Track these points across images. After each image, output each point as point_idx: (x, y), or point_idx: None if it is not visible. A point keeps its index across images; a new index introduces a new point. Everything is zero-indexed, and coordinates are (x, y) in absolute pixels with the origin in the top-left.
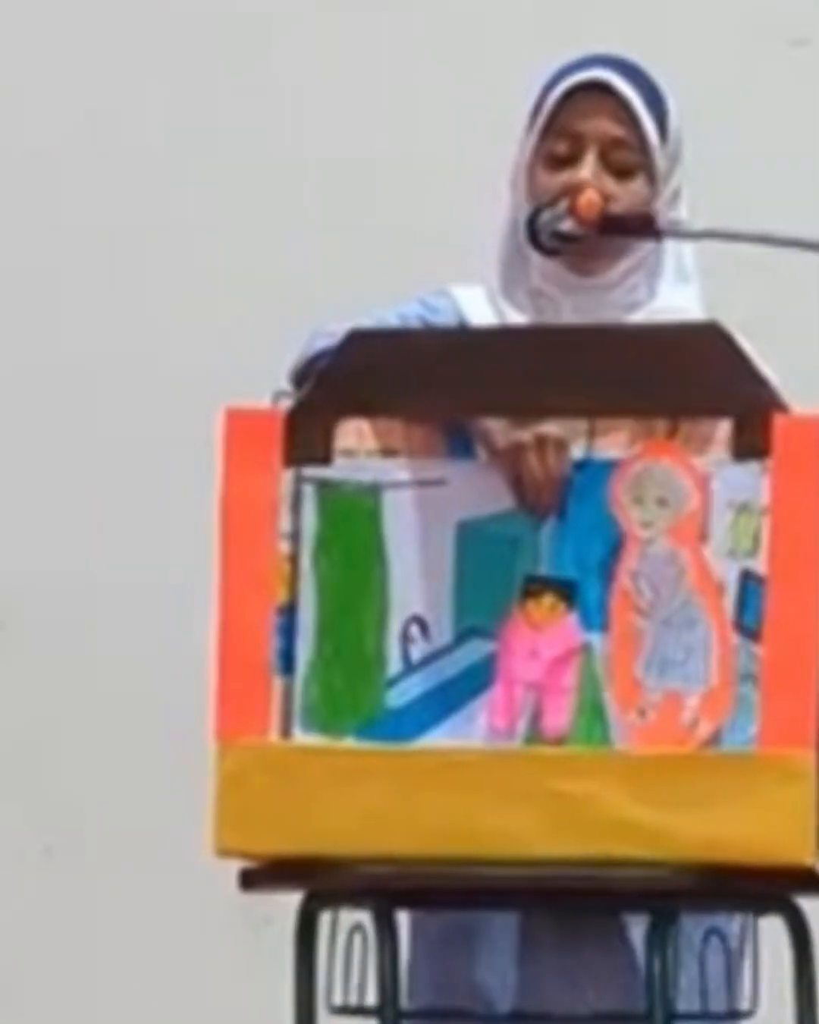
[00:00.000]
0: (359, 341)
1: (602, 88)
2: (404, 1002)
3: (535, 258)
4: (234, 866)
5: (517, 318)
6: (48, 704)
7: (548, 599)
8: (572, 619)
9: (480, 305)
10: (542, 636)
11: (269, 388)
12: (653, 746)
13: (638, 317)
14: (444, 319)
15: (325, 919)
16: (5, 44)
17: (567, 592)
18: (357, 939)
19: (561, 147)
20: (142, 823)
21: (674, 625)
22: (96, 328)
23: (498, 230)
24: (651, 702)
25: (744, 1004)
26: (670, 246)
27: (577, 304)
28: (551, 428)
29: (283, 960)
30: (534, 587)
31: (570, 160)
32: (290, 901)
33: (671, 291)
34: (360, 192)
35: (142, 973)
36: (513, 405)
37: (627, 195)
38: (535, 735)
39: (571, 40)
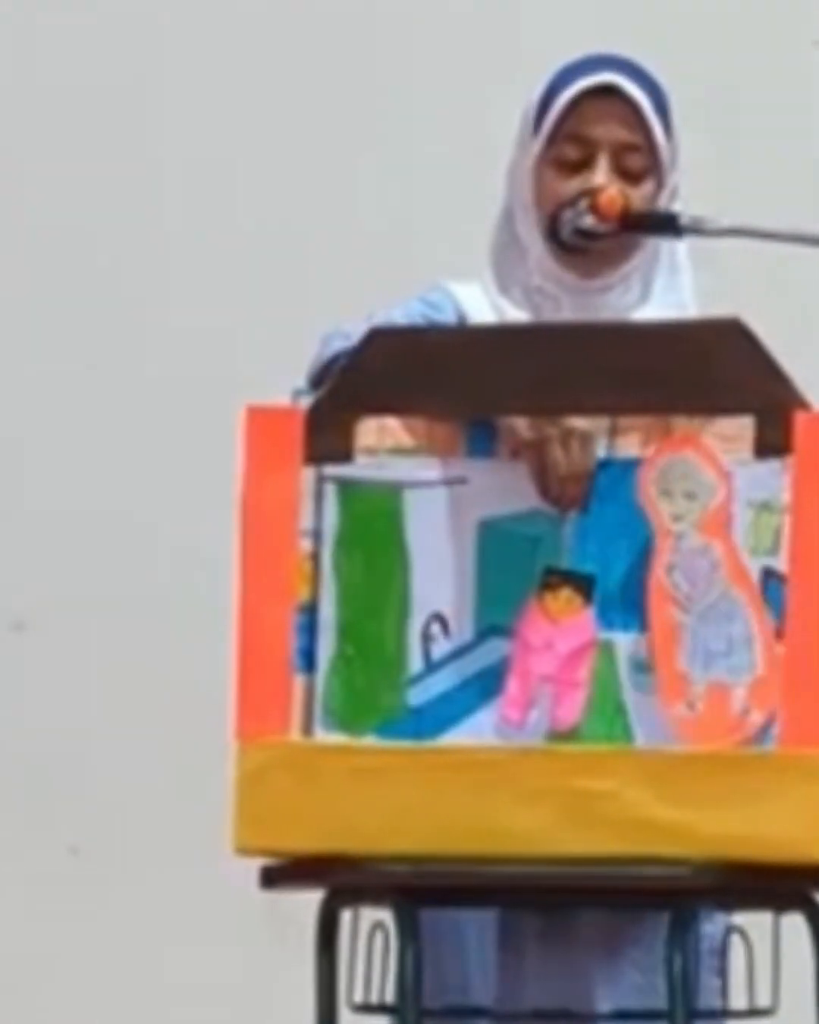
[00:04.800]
0: (380, 338)
1: (611, 91)
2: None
3: (534, 256)
4: (258, 866)
5: (514, 314)
6: (72, 705)
7: (565, 592)
8: (588, 614)
9: (478, 301)
10: (558, 629)
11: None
12: (707, 738)
13: (636, 317)
14: (445, 316)
15: (346, 917)
16: None
17: (585, 586)
18: (378, 937)
19: (572, 152)
20: (167, 823)
21: (712, 618)
22: (120, 324)
23: (492, 227)
24: (698, 694)
25: (762, 1001)
26: (666, 242)
27: (575, 303)
28: (577, 421)
29: (306, 959)
30: (552, 580)
31: (581, 165)
32: (314, 900)
33: (665, 285)
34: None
35: (167, 972)
36: (534, 403)
37: (639, 198)
38: (546, 728)
39: (591, 38)
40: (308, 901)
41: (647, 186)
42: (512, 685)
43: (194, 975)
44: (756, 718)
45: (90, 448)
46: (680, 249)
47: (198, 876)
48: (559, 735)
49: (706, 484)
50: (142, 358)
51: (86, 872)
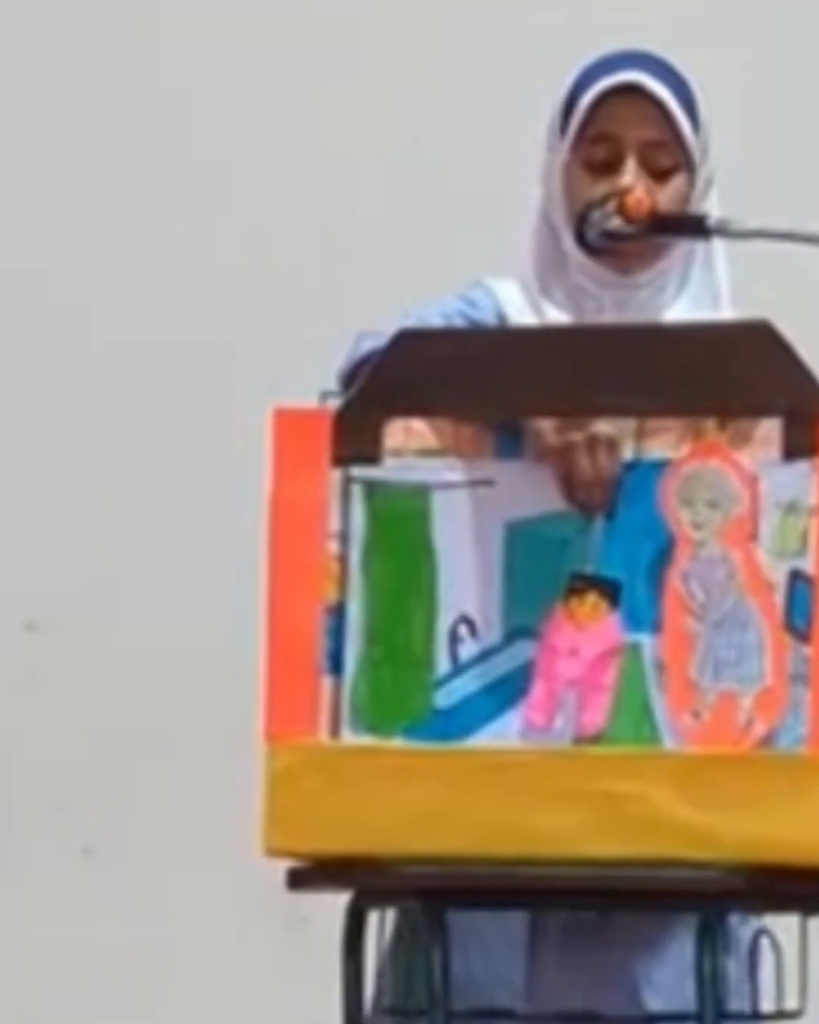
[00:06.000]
0: (408, 340)
1: (635, 89)
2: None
3: (575, 256)
4: (274, 865)
5: (555, 314)
6: (85, 705)
7: (591, 597)
8: (614, 619)
9: (519, 300)
10: (584, 634)
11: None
12: (710, 746)
13: (673, 313)
14: (484, 314)
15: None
16: None
17: (611, 591)
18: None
19: (599, 152)
20: (181, 824)
21: (726, 627)
22: (132, 327)
23: (528, 228)
24: (706, 703)
25: (790, 1003)
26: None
27: (617, 300)
28: (602, 427)
29: (322, 960)
30: (578, 585)
31: (609, 165)
32: (329, 901)
33: (700, 281)
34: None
35: (181, 973)
36: (562, 405)
37: (669, 195)
38: (572, 732)
39: (606, 31)
40: (326, 902)
41: (676, 182)
42: (537, 690)
43: (208, 976)
44: (759, 729)
45: (103, 446)
46: (717, 247)
47: (212, 877)
48: (585, 740)
49: (729, 493)
50: (162, 356)
51: (99, 873)
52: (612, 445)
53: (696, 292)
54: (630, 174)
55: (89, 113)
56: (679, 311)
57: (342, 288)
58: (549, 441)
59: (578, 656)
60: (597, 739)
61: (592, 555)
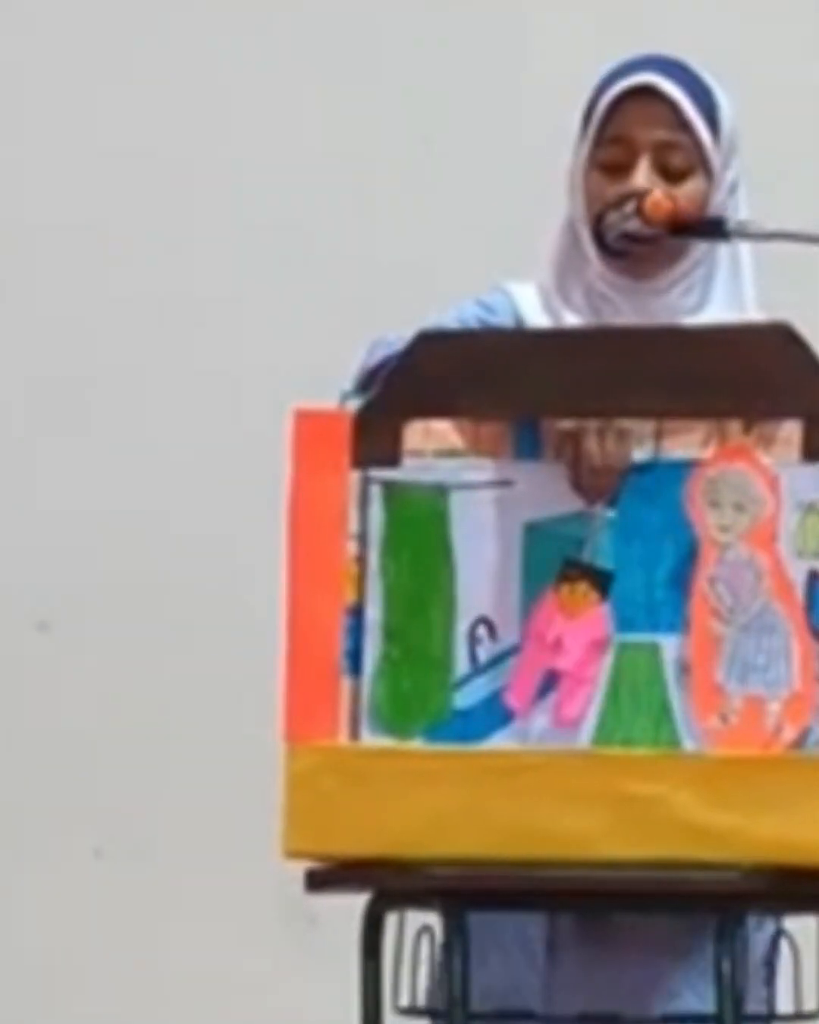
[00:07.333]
0: (427, 342)
1: (651, 92)
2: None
3: (594, 261)
4: (282, 866)
5: (573, 318)
6: (97, 705)
7: (582, 586)
8: (603, 610)
9: (534, 303)
10: (571, 623)
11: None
12: (739, 750)
13: (697, 319)
14: (502, 318)
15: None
16: None
17: (603, 582)
18: (423, 941)
19: (614, 154)
20: (191, 825)
21: (754, 630)
22: (150, 324)
23: (554, 233)
24: (733, 708)
25: (809, 1004)
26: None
27: (633, 305)
28: (621, 420)
29: (329, 960)
30: (571, 572)
31: (624, 167)
32: (336, 901)
33: (726, 287)
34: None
35: (190, 973)
36: (581, 407)
37: (683, 197)
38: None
39: (613, 31)
40: (332, 903)
41: (691, 184)
42: (518, 675)
43: (220, 978)
44: (788, 734)
45: (117, 445)
46: (743, 250)
47: (223, 878)
48: (564, 730)
49: (755, 496)
50: (179, 356)
51: (110, 874)
52: (623, 435)
53: (722, 297)
54: (642, 175)
55: (92, 121)
56: (703, 318)
57: (349, 290)
58: (561, 425)
59: (561, 645)
60: (575, 726)
61: (590, 545)
